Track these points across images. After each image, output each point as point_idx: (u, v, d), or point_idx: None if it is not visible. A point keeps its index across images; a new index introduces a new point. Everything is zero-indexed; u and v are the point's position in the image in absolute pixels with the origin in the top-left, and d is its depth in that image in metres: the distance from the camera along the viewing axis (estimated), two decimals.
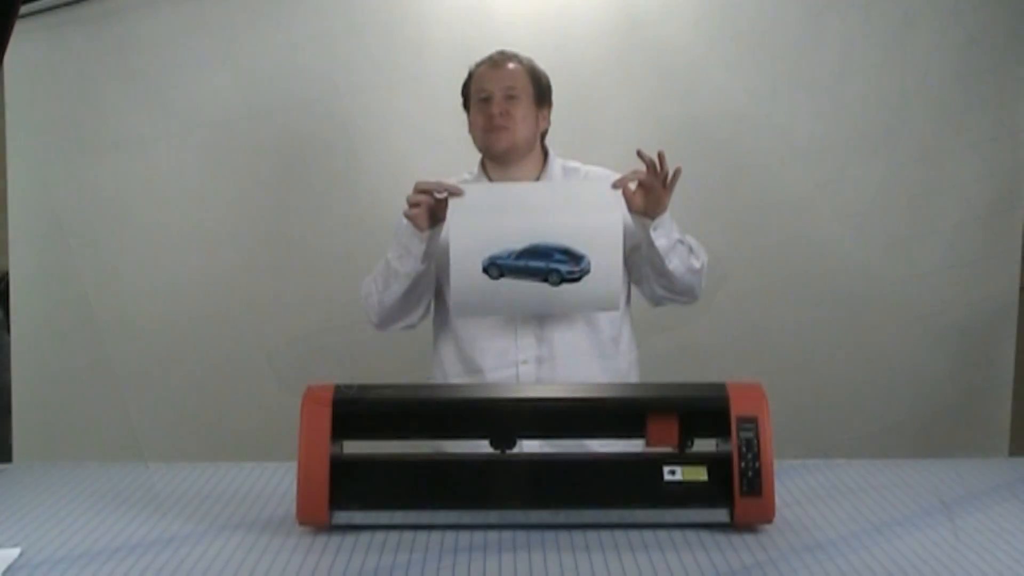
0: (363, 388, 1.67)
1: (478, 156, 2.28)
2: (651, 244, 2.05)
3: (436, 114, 3.07)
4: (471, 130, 2.23)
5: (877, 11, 3.10)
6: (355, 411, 1.64)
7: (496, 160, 2.20)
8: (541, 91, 2.21)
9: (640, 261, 2.12)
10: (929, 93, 3.13)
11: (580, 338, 2.17)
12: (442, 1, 3.06)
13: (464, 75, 3.02)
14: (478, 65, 2.23)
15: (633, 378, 2.25)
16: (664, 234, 2.06)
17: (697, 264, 2.13)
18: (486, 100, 2.17)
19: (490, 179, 2.23)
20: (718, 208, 3.07)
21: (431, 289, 2.18)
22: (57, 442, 3.15)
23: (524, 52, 2.26)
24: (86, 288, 3.13)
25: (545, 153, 2.25)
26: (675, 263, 2.08)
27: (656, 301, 2.22)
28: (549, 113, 2.24)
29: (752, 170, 3.11)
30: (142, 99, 3.06)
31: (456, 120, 3.01)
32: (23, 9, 2.61)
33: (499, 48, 2.25)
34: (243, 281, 3.12)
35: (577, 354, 2.16)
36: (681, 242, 2.10)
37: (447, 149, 3.02)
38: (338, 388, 1.64)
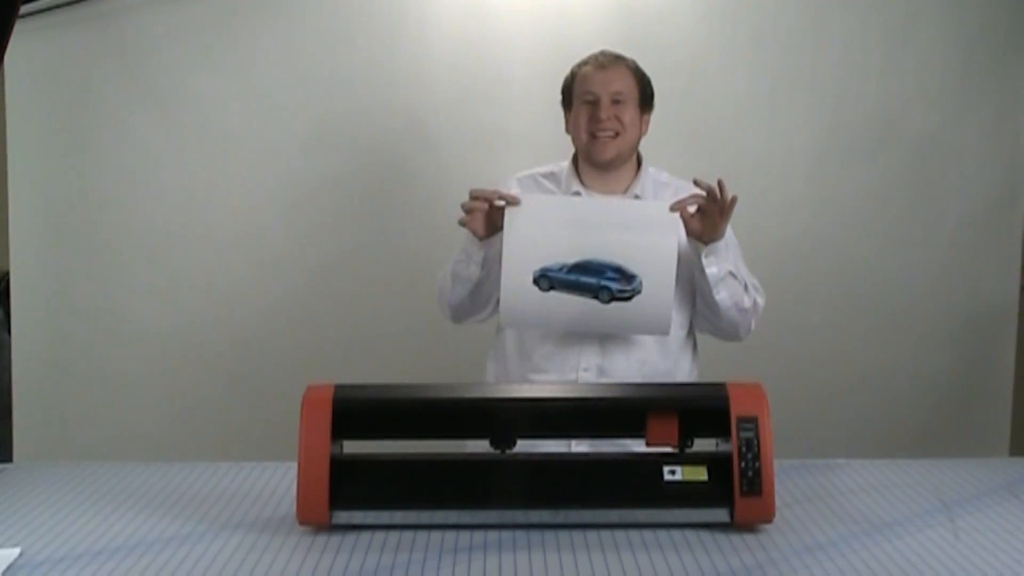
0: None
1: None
2: (702, 271, 2.04)
3: (438, 113, 3.08)
4: (572, 132, 2.18)
5: (878, 11, 3.11)
6: (355, 411, 1.64)
7: (599, 167, 2.15)
8: (646, 95, 2.17)
9: (692, 287, 2.10)
10: (929, 93, 3.13)
11: (644, 352, 2.13)
12: (442, 1, 3.06)
13: (464, 75, 3.04)
14: (582, 64, 2.17)
15: (692, 375, 2.23)
16: (716, 262, 2.03)
17: (747, 303, 2.09)
18: (593, 103, 2.11)
19: (582, 180, 2.18)
20: None
21: (496, 291, 2.11)
22: (57, 442, 3.15)
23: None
24: (86, 288, 3.13)
25: (638, 161, 2.21)
26: (723, 295, 2.05)
27: (697, 329, 2.20)
28: (650, 118, 2.20)
29: (752, 170, 3.11)
30: (142, 99, 3.06)
31: (457, 119, 3.03)
32: (23, 9, 2.61)
33: (601, 48, 2.20)
34: (243, 280, 3.12)
35: (640, 368, 2.12)
36: (734, 276, 2.06)
37: (447, 149, 3.04)
38: (338, 388, 1.64)
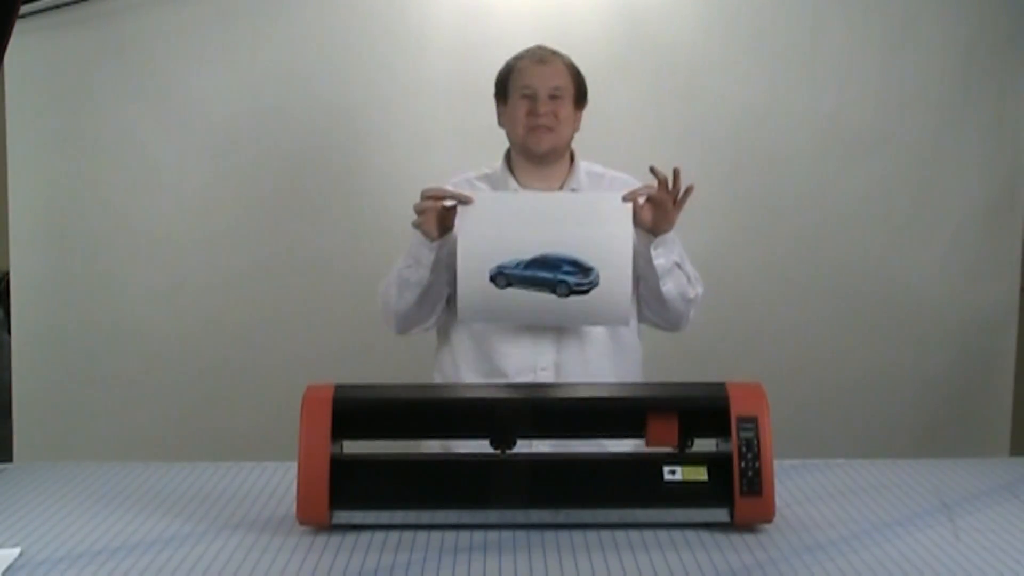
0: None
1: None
2: (649, 262, 2.03)
3: (437, 113, 3.08)
4: (507, 124, 2.17)
5: (877, 11, 3.11)
6: (355, 411, 1.64)
7: (534, 161, 2.15)
8: (581, 92, 2.18)
9: (636, 277, 2.09)
10: (929, 93, 3.13)
11: (598, 346, 2.13)
12: (442, 1, 3.06)
13: (465, 74, 3.03)
14: (519, 58, 2.17)
15: (638, 376, 2.23)
16: (664, 254, 2.03)
17: (691, 293, 2.10)
18: (530, 98, 2.11)
19: (515, 176, 2.17)
20: (717, 208, 3.06)
21: (444, 294, 2.12)
22: (57, 442, 3.14)
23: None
24: (86, 288, 3.13)
25: (572, 157, 2.21)
26: (669, 286, 2.06)
27: (641, 318, 2.19)
28: (582, 115, 2.20)
29: (752, 170, 3.12)
30: (143, 99, 3.06)
31: (457, 119, 3.03)
32: (23, 9, 2.61)
33: (537, 43, 2.20)
34: (243, 280, 3.12)
35: (595, 362, 2.12)
36: (680, 267, 2.07)
37: (448, 149, 3.04)
38: (338, 388, 1.64)
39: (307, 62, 3.07)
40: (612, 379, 2.13)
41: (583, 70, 2.22)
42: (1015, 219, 3.20)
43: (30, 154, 3.10)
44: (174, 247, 3.11)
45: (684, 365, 2.92)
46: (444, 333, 2.22)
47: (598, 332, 2.13)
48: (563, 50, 2.21)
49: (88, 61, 3.06)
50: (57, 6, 3.01)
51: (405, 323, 2.16)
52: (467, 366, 2.15)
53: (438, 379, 2.23)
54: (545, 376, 2.10)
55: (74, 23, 3.05)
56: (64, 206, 3.12)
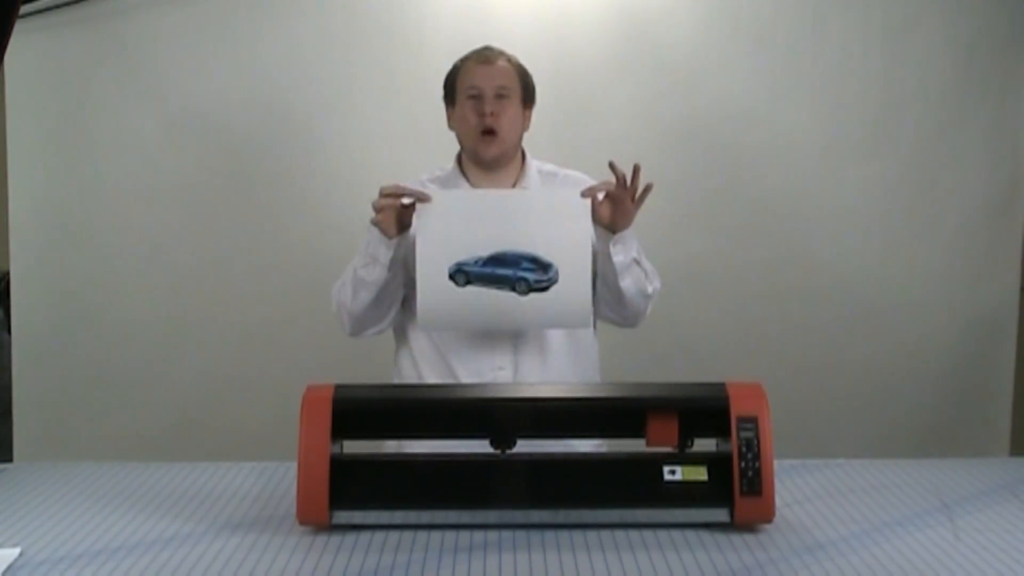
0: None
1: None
2: (608, 258, 2.01)
3: (438, 113, 3.07)
4: (456, 128, 2.18)
5: (877, 11, 3.11)
6: (355, 411, 1.64)
7: (484, 165, 2.15)
8: (528, 91, 2.17)
9: (595, 274, 2.07)
10: (929, 93, 3.13)
11: (555, 344, 2.13)
12: (442, 1, 3.06)
13: None
14: (464, 60, 2.18)
15: (596, 373, 2.22)
16: (623, 250, 2.01)
17: (649, 289, 2.08)
18: (476, 98, 2.11)
19: (467, 177, 2.17)
20: (717, 208, 3.07)
21: (400, 295, 2.12)
22: (57, 442, 3.15)
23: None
24: (86, 288, 3.13)
25: (523, 156, 2.21)
26: (628, 283, 2.04)
27: (598, 316, 2.17)
28: (531, 114, 2.20)
29: (751, 170, 3.12)
30: (142, 99, 3.06)
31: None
32: (23, 9, 2.61)
33: (486, 44, 2.20)
34: (243, 280, 3.12)
35: (553, 360, 2.12)
36: (638, 263, 2.05)
37: (449, 149, 3.03)
38: (338, 388, 1.64)
39: (306, 62, 3.07)
40: (571, 378, 2.12)
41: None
42: (1015, 219, 3.20)
43: (30, 154, 3.10)
44: (174, 247, 3.12)
45: (684, 365, 2.93)
46: (402, 334, 2.21)
47: (555, 332, 2.12)
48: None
49: (88, 61, 3.07)
50: (57, 6, 3.02)
51: (359, 325, 2.14)
52: (427, 367, 2.15)
53: (397, 381, 2.21)
54: (503, 376, 2.09)
55: (74, 23, 3.05)
56: (64, 206, 3.12)
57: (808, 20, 3.10)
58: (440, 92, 3.20)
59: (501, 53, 2.17)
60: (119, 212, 3.11)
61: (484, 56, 2.16)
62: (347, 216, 3.11)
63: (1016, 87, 3.16)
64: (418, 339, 2.16)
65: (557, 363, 2.12)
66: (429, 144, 3.04)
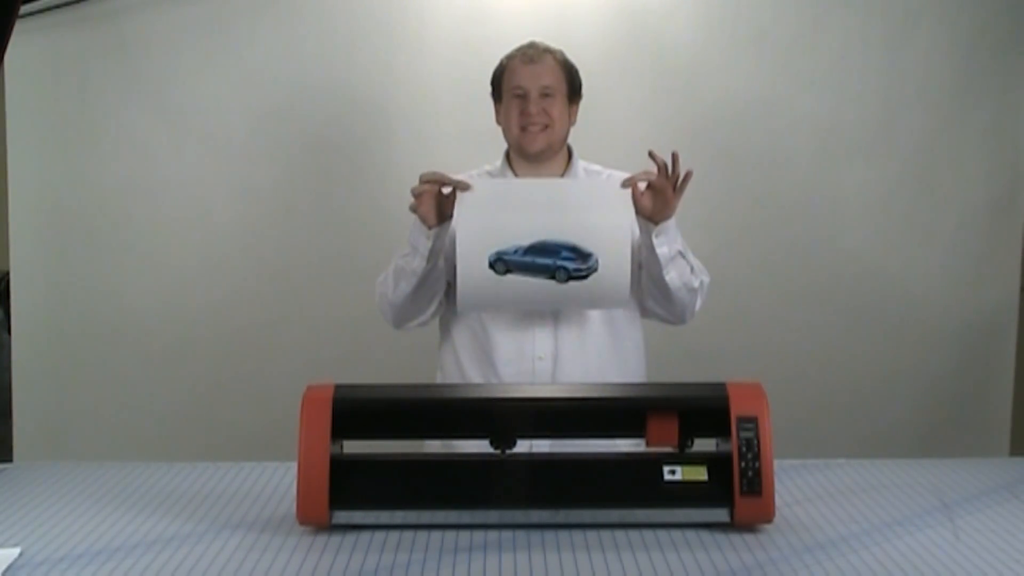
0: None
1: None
2: (652, 250, 2.01)
3: (438, 113, 3.08)
4: (503, 124, 2.17)
5: (877, 11, 3.11)
6: (355, 411, 1.64)
7: (531, 159, 2.15)
8: (574, 87, 2.17)
9: (638, 267, 2.08)
10: (929, 93, 3.13)
11: (596, 336, 2.13)
12: (442, 1, 3.06)
13: (464, 74, 3.03)
14: (510, 58, 2.17)
15: (641, 375, 2.22)
16: (666, 242, 2.01)
17: (695, 283, 2.08)
18: (522, 97, 2.11)
19: (515, 174, 2.18)
20: (717, 207, 3.07)
21: (442, 287, 2.12)
22: (57, 442, 3.15)
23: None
24: (86, 288, 3.13)
25: (569, 153, 2.21)
26: (672, 275, 2.04)
27: (645, 312, 2.18)
28: (578, 109, 2.20)
29: (752, 170, 3.12)
30: (142, 99, 3.06)
31: (458, 120, 3.03)
32: (23, 9, 2.61)
33: (530, 40, 2.19)
34: (244, 281, 3.12)
35: (594, 352, 2.13)
36: (683, 256, 2.06)
37: (448, 150, 3.03)
38: (338, 388, 1.64)
39: (306, 62, 3.07)
40: (612, 370, 2.13)
41: (583, 70, 2.21)
42: (1015, 220, 3.20)
43: (30, 154, 3.10)
44: (174, 247, 3.12)
45: (684, 365, 2.93)
46: (446, 329, 2.22)
47: (596, 324, 2.13)
48: (564, 51, 2.20)
49: (88, 61, 3.07)
50: (57, 6, 3.02)
51: (401, 315, 2.14)
52: (468, 359, 2.16)
53: (440, 377, 2.23)
54: (542, 366, 2.11)
55: (74, 23, 3.05)
56: (64, 206, 3.12)
57: (808, 20, 3.10)
58: (440, 92, 3.23)
59: (547, 50, 2.16)
60: (119, 212, 3.11)
61: (529, 55, 2.15)
62: (347, 216, 3.13)
63: (1016, 87, 3.16)
64: (460, 333, 2.18)
65: (598, 355, 2.13)
66: (429, 145, 3.07)
